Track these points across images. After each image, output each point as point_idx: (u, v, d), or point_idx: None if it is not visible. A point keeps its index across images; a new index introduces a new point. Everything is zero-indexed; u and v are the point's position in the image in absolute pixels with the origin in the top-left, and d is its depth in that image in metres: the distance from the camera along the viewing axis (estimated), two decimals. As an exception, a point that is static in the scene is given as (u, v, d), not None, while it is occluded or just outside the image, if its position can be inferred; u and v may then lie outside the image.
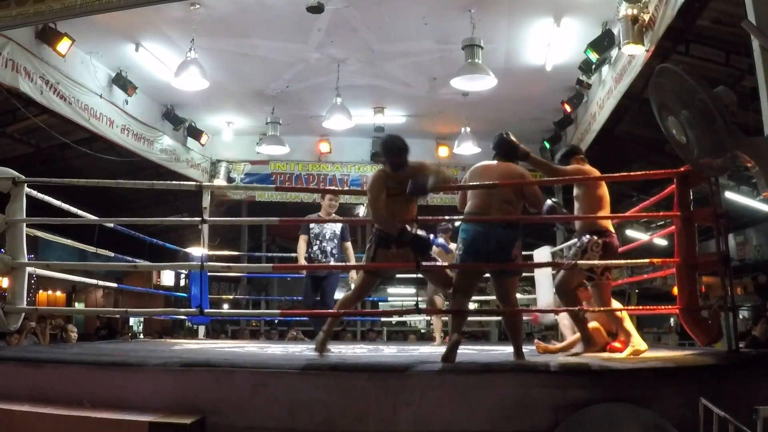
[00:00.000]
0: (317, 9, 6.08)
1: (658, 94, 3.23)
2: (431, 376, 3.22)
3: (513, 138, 4.29)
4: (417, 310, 4.44)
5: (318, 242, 6.02)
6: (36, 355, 3.83)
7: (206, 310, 4.84)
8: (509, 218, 4.00)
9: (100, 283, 7.23)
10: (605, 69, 7.32)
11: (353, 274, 5.92)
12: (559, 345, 5.02)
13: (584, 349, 4.41)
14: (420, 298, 6.33)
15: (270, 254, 12.17)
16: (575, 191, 4.55)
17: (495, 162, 4.29)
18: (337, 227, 6.18)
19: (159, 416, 3.01)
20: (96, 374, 3.45)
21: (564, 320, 5.13)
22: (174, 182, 6.68)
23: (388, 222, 3.97)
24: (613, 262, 4.34)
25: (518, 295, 4.40)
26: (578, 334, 4.60)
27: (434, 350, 5.53)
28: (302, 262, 6.05)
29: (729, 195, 9.35)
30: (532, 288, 8.43)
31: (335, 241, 6.12)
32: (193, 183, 6.66)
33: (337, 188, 10.14)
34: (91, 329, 13.23)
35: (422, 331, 14.00)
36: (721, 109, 2.88)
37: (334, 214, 6.29)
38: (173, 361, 3.47)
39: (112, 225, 5.99)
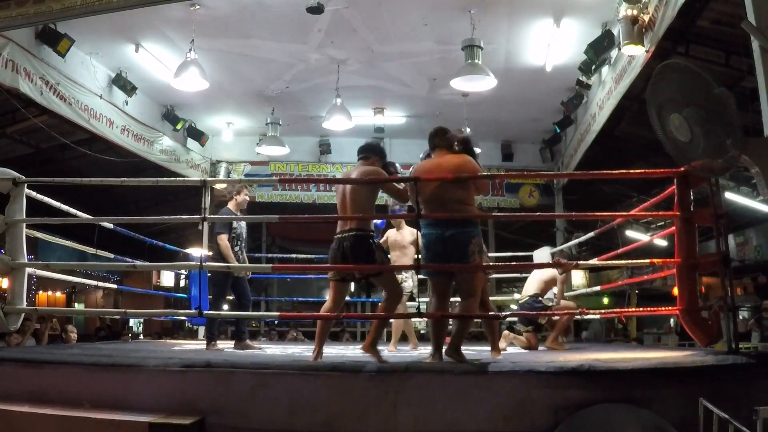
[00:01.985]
0: (317, 9, 6.08)
1: (660, 91, 3.22)
2: (431, 376, 3.22)
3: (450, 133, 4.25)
4: (419, 315, 4.38)
5: (240, 243, 5.86)
6: (36, 356, 3.83)
7: (205, 312, 4.81)
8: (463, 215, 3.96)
9: (100, 284, 7.21)
10: (605, 70, 7.32)
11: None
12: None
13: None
14: (422, 301, 6.29)
15: (270, 255, 12.15)
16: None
17: (444, 157, 4.10)
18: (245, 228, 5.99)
19: (158, 417, 3.02)
20: (96, 375, 3.45)
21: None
22: (179, 178, 6.64)
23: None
24: (612, 262, 4.33)
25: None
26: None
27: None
28: (234, 262, 5.72)
29: (729, 195, 9.33)
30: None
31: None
32: (198, 179, 6.60)
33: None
34: (91, 330, 13.22)
35: (422, 332, 13.97)
36: (733, 108, 2.87)
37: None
38: (173, 362, 3.47)
39: (111, 226, 5.96)
